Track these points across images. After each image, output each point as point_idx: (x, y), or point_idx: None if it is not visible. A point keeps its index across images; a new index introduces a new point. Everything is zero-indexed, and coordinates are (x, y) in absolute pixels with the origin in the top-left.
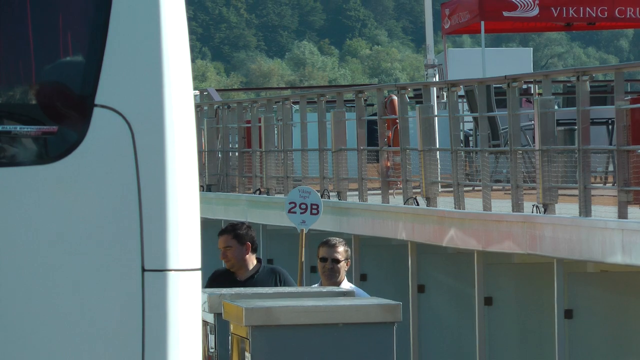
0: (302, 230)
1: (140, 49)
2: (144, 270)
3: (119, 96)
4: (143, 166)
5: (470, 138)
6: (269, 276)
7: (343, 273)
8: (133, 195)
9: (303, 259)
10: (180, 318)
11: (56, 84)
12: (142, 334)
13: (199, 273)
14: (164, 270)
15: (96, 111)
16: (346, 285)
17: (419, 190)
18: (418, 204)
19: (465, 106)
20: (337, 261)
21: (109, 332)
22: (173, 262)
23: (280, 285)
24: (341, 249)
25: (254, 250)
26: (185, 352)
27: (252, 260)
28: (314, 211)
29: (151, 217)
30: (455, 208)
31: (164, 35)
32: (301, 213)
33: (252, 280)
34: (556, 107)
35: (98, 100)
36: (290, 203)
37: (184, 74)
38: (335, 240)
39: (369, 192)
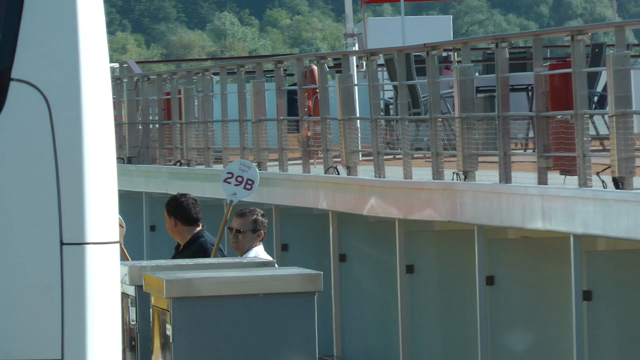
0: (230, 202)
1: (56, 23)
2: (62, 243)
3: (36, 70)
4: (60, 140)
5: (391, 107)
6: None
7: (249, 243)
8: (50, 170)
9: (224, 228)
10: (99, 291)
11: None
12: (61, 307)
13: (117, 246)
14: (82, 244)
15: (12, 85)
16: (264, 256)
17: (339, 159)
18: (339, 173)
19: (386, 75)
20: (238, 231)
21: (28, 305)
22: (91, 235)
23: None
24: (242, 219)
25: (187, 222)
26: (104, 324)
27: (181, 233)
28: (248, 186)
29: (68, 191)
30: (375, 177)
31: (80, 9)
32: (235, 185)
33: (179, 249)
34: (476, 74)
35: (14, 74)
36: (228, 173)
37: (100, 48)
38: (244, 210)
39: (289, 162)
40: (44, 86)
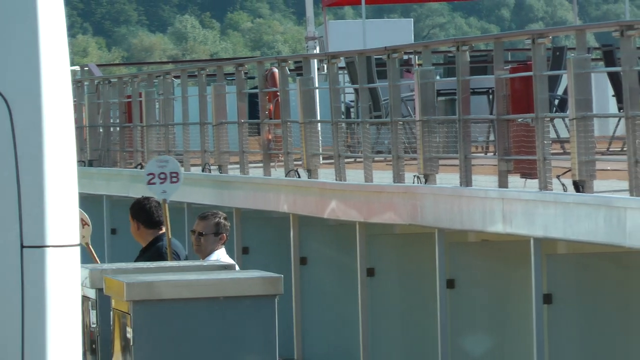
0: (164, 201)
1: (17, 26)
2: (22, 246)
3: None
4: (20, 143)
5: (352, 110)
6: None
7: (210, 246)
8: (11, 172)
9: (168, 228)
10: (59, 294)
11: None
12: (22, 310)
13: (78, 249)
14: (42, 247)
15: None
16: (225, 260)
17: (300, 162)
18: (299, 176)
19: (347, 78)
20: (200, 234)
21: None
22: (52, 238)
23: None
24: (204, 222)
25: (149, 225)
26: (65, 328)
27: (143, 236)
28: (174, 179)
29: (29, 194)
30: (336, 180)
31: (40, 12)
32: (161, 183)
33: (141, 252)
34: (437, 77)
35: None
36: (149, 174)
37: (61, 51)
38: (206, 213)
39: (250, 165)
40: (4, 89)
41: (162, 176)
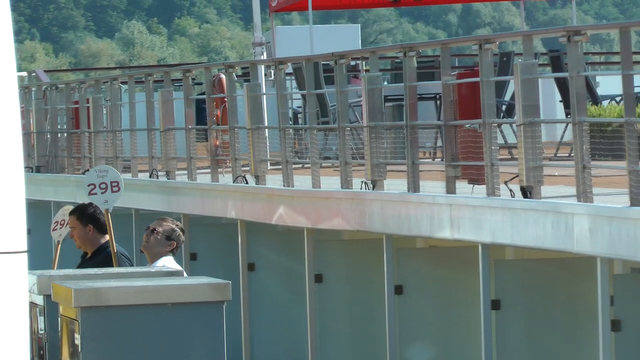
0: (106, 210)
1: None
2: None
3: None
4: None
5: (299, 115)
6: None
7: (156, 247)
8: None
9: (111, 237)
10: (6, 300)
11: None
12: None
13: (25, 255)
14: None
15: None
16: (173, 266)
17: (248, 168)
18: (247, 182)
19: (294, 84)
20: (152, 231)
21: None
22: None
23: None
24: (164, 223)
25: (101, 230)
26: (12, 334)
27: (93, 241)
28: (115, 188)
29: None
30: (284, 186)
31: None
32: (102, 193)
33: (85, 258)
34: (385, 83)
35: None
36: (89, 185)
37: (8, 56)
38: (167, 218)
39: (198, 171)
40: None
41: (103, 186)
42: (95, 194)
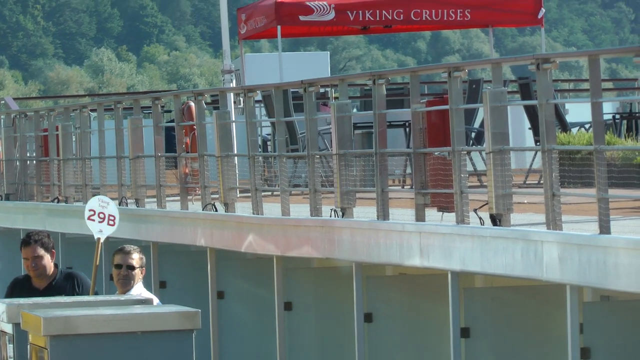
0: (98, 239)
1: None
2: None
3: None
4: None
5: (269, 143)
6: (66, 281)
7: (137, 280)
8: None
9: (97, 265)
10: None
11: None
12: None
13: None
14: None
15: None
16: (145, 294)
17: (217, 196)
18: (217, 210)
19: (263, 111)
20: (132, 268)
21: None
22: None
23: (78, 289)
24: (136, 255)
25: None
26: None
27: (51, 266)
28: (111, 222)
29: None
30: (253, 213)
31: None
32: (99, 222)
33: (51, 286)
34: (354, 110)
35: None
36: (90, 210)
37: None
38: (130, 247)
39: (167, 198)
40: None
41: (102, 216)
42: (93, 220)
